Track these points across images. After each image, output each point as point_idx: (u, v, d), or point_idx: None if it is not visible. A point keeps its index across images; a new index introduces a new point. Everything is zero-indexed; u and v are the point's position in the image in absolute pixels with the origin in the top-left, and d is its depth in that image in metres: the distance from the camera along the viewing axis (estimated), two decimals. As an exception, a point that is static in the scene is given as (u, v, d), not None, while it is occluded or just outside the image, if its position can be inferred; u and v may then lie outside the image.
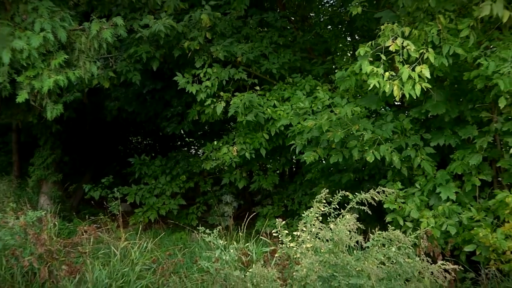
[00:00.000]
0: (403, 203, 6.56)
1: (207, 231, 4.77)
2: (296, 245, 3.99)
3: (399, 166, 6.65)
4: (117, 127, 11.55)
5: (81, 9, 8.53)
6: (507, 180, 6.52)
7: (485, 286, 6.13)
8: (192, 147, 12.15)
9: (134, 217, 9.72)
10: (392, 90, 5.80)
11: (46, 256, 5.67)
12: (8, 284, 5.42)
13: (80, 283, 5.35)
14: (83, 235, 6.13)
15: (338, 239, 3.94)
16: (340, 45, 9.94)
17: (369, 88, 5.98)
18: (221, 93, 8.32)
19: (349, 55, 9.67)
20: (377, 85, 5.84)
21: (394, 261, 3.96)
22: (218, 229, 5.01)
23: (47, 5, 5.98)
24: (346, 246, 3.97)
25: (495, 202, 6.30)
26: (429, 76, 5.78)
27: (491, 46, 6.08)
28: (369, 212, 4.29)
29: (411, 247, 4.05)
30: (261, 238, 6.43)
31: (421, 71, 5.75)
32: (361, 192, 4.27)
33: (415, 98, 5.96)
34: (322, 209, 4.13)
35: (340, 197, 4.21)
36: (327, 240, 3.98)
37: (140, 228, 7.07)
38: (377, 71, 5.85)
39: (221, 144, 8.64)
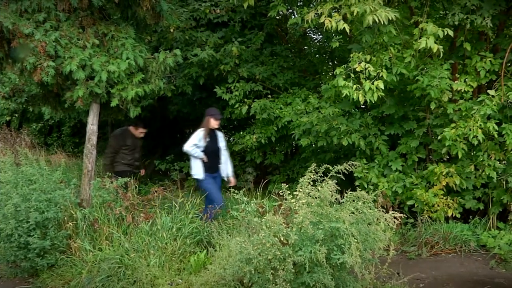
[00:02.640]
0: (367, 173, 6.54)
1: (236, 191, 4.77)
2: (295, 201, 3.99)
3: (364, 148, 6.63)
4: (176, 122, 11.55)
5: (152, 44, 8.59)
6: (435, 157, 6.53)
7: (420, 228, 6.12)
8: (226, 135, 12.13)
9: (188, 182, 9.73)
10: (358, 98, 5.78)
11: (130, 207, 5.70)
12: (106, 225, 5.46)
13: (153, 225, 5.38)
14: (154, 194, 6.16)
15: (323, 197, 3.93)
16: (324, 68, 9.89)
17: (343, 96, 5.95)
18: (245, 100, 8.31)
19: (330, 74, 9.60)
20: (349, 94, 5.81)
21: (361, 211, 3.95)
22: (243, 190, 5.01)
23: (131, 42, 6.01)
24: (328, 202, 3.96)
25: (428, 172, 6.30)
26: (383, 88, 5.74)
27: (425, 68, 6.03)
28: (344, 178, 4.28)
29: (372, 202, 4.04)
30: (272, 196, 6.45)
31: (378, 85, 5.71)
32: (338, 165, 4.26)
33: (374, 102, 5.93)
34: (312, 177, 4.13)
35: (324, 169, 4.19)
36: (315, 198, 3.98)
37: (191, 189, 7.09)
38: (348, 84, 5.82)
39: (245, 134, 8.64)
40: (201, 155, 6.40)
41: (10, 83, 9.53)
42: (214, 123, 6.53)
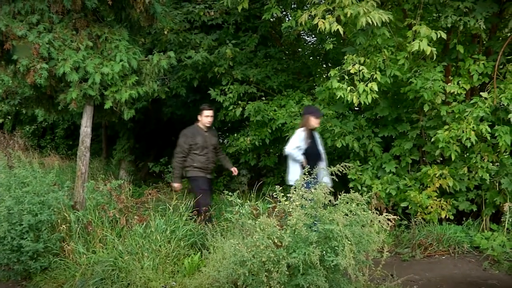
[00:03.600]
0: (361, 174, 6.56)
1: (230, 193, 4.77)
2: (289, 203, 3.99)
3: (358, 150, 6.65)
4: (171, 124, 11.52)
5: (146, 46, 8.59)
6: (428, 159, 6.54)
7: (414, 230, 6.14)
8: (220, 137, 12.12)
9: (182, 184, 9.72)
10: (352, 100, 5.79)
11: (124, 210, 5.69)
12: (99, 228, 5.45)
13: (146, 227, 5.37)
14: (148, 196, 6.15)
15: (317, 199, 3.94)
16: (318, 70, 9.89)
17: (337, 98, 5.97)
18: (239, 102, 8.31)
19: (324, 76, 9.60)
20: (343, 96, 5.83)
21: (354, 213, 3.95)
22: (237, 192, 5.01)
23: (124, 44, 6.00)
24: (322, 204, 3.97)
25: (421, 174, 6.31)
26: (377, 90, 5.76)
27: (418, 70, 6.05)
28: (337, 180, 4.29)
29: (365, 204, 4.04)
30: (266, 198, 6.44)
31: (372, 87, 5.73)
32: (332, 167, 4.26)
33: (368, 104, 5.95)
34: (306, 179, 4.13)
35: (317, 170, 4.19)
36: (309, 200, 3.98)
37: (185, 192, 7.07)
38: (342, 86, 5.84)
39: (239, 136, 8.64)
40: (302, 158, 5.81)
41: (3, 85, 9.49)
42: (315, 122, 5.94)
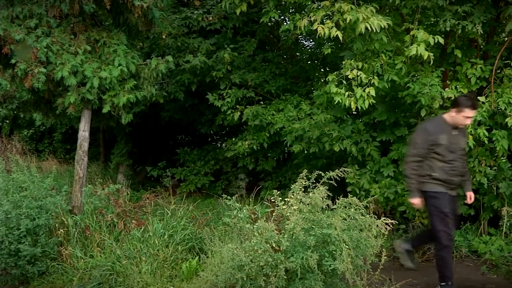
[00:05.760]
0: (359, 179, 6.56)
1: (228, 197, 4.77)
2: (287, 207, 3.99)
3: (356, 154, 6.65)
4: (169, 129, 11.53)
5: (144, 51, 8.61)
6: (426, 163, 6.53)
7: (412, 233, 6.14)
8: (218, 142, 12.12)
9: (180, 188, 9.72)
10: (350, 104, 5.80)
11: (122, 214, 5.69)
12: (97, 232, 5.45)
13: (144, 232, 5.37)
14: (146, 200, 6.15)
15: (314, 203, 3.94)
16: (316, 74, 9.91)
17: (335, 103, 5.97)
18: (237, 106, 8.32)
19: (322, 81, 9.64)
20: (340, 101, 5.83)
21: (352, 217, 3.95)
22: (235, 196, 5.00)
23: (123, 48, 6.02)
24: (320, 208, 3.97)
25: (419, 178, 6.29)
26: (375, 95, 5.78)
27: (416, 75, 6.06)
28: (336, 185, 4.29)
29: (363, 208, 4.05)
30: (264, 203, 6.43)
31: (369, 92, 5.75)
32: (330, 171, 4.26)
33: (365, 109, 5.96)
34: (304, 183, 4.13)
35: (316, 175, 4.20)
36: (307, 204, 3.98)
37: (184, 196, 7.08)
38: (340, 91, 5.84)
39: (237, 140, 8.64)
40: None
41: (1, 89, 9.50)
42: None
